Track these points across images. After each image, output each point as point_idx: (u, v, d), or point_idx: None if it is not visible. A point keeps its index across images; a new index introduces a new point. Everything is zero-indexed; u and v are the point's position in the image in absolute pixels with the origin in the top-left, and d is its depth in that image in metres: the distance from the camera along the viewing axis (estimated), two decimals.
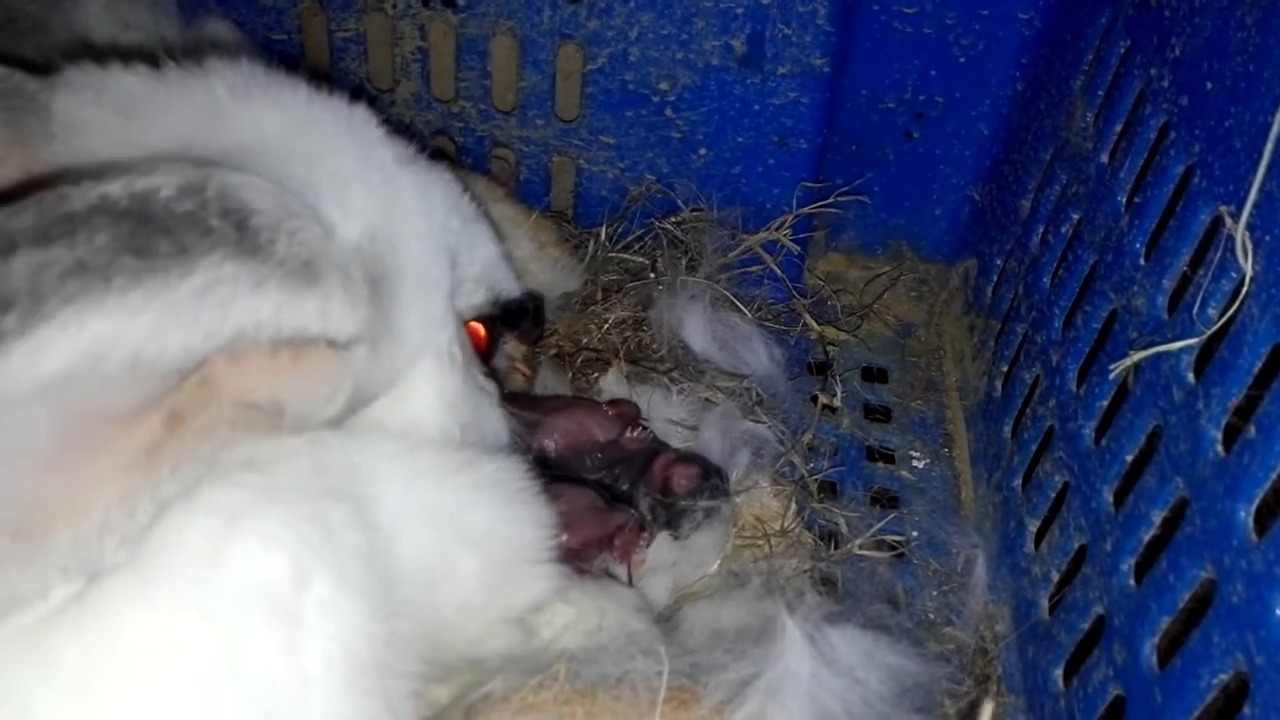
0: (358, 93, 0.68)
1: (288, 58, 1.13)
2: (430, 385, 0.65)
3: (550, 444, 0.85)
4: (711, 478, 0.84)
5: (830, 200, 1.14)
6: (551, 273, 1.05)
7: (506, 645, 0.67)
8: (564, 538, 0.73)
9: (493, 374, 0.77)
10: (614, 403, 0.91)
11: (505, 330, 0.83)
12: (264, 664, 0.49)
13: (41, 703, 0.46)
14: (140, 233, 0.43)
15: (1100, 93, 0.87)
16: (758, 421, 0.95)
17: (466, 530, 0.63)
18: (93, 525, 0.46)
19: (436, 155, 1.16)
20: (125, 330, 0.42)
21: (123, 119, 0.56)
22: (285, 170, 0.54)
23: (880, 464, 1.02)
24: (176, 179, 0.46)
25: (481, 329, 0.74)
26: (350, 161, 0.60)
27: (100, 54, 0.67)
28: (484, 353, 0.75)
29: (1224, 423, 0.60)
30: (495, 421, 0.74)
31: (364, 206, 0.58)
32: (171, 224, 0.44)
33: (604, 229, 1.15)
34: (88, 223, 0.43)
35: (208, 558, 0.49)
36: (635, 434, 0.87)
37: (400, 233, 0.61)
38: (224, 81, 0.59)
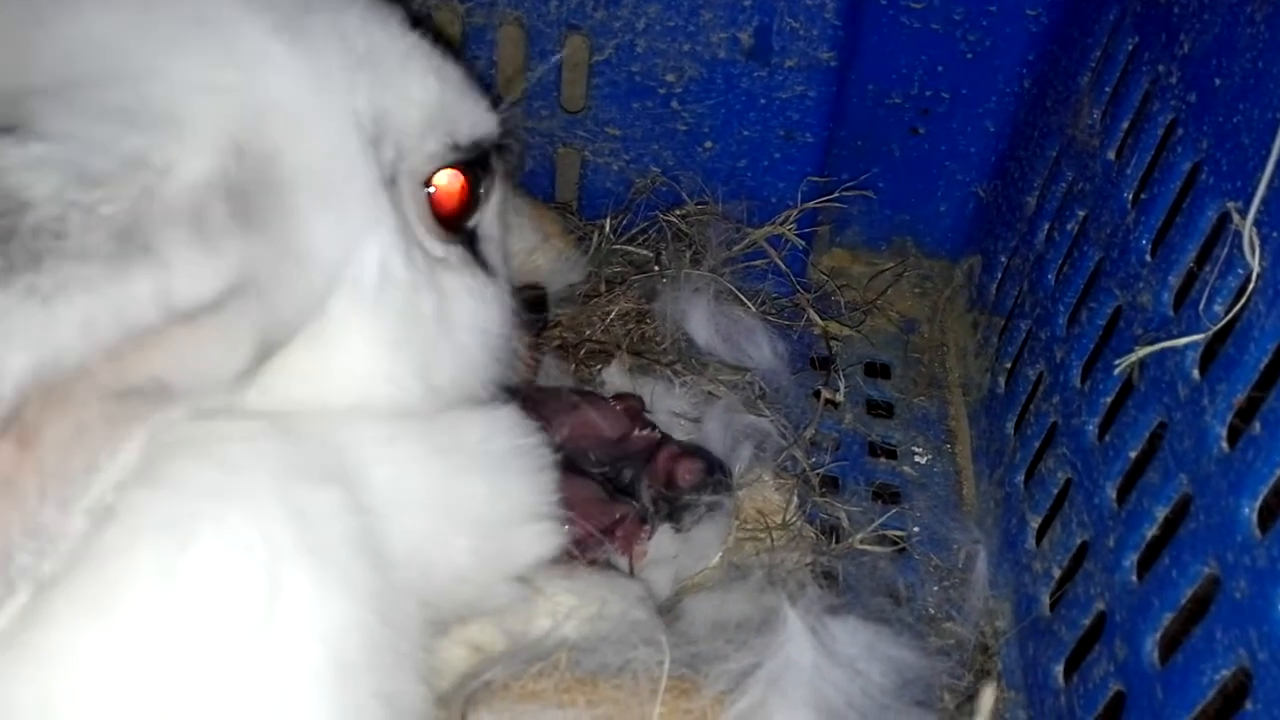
0: None
1: None
2: (357, 323, 0.53)
3: (554, 437, 0.85)
4: (715, 472, 0.84)
5: (835, 195, 1.14)
6: (555, 264, 1.05)
7: (509, 599, 0.63)
8: (566, 528, 0.73)
9: (477, 239, 0.62)
10: (620, 397, 0.90)
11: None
12: (242, 678, 0.45)
13: None
14: None
15: (1107, 89, 0.87)
16: (760, 415, 0.95)
17: (460, 515, 0.58)
18: None
19: None
20: None
21: None
22: (108, 99, 0.44)
23: (882, 459, 1.02)
24: None
25: (456, 182, 0.59)
26: (197, 63, 0.48)
27: None
28: (460, 213, 0.60)
29: (1229, 419, 0.60)
30: (480, 313, 0.61)
31: (217, 121, 0.46)
32: None
33: (608, 221, 1.14)
34: None
35: (160, 573, 0.43)
36: (643, 433, 0.87)
37: (281, 129, 0.49)
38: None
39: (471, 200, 0.60)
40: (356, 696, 0.48)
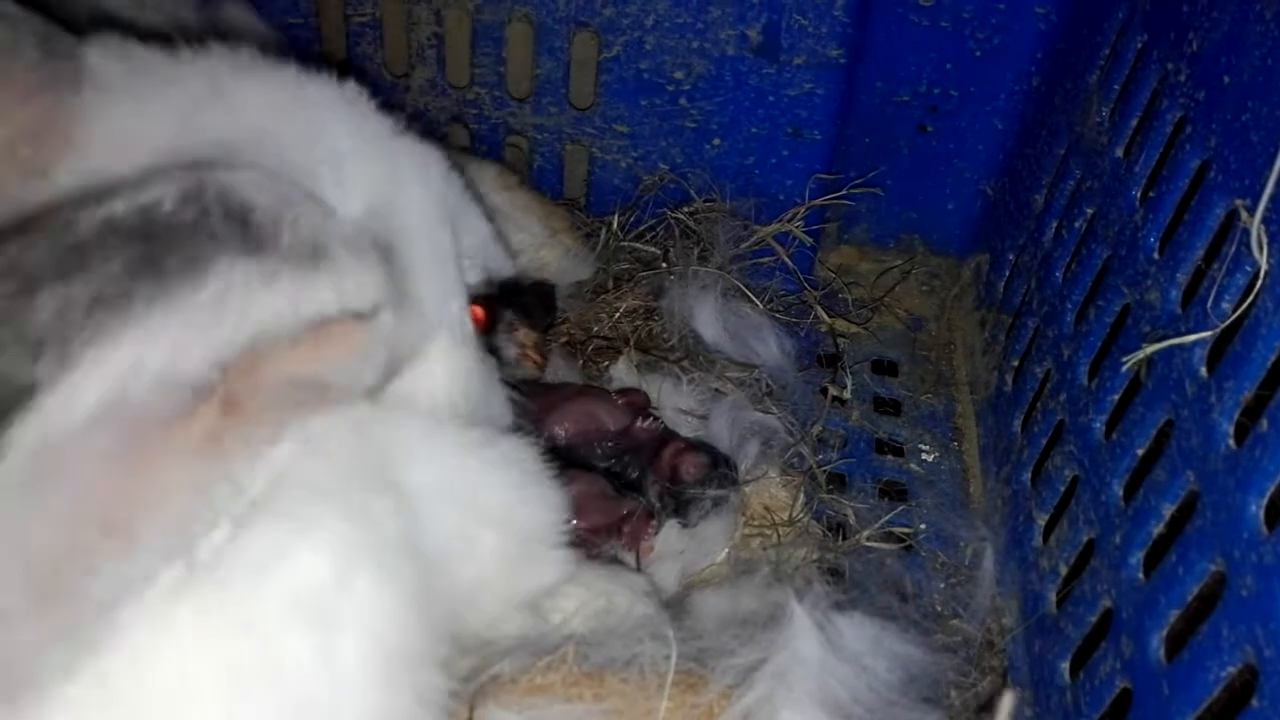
0: (348, 72, 0.68)
1: (303, 42, 1.14)
2: (445, 359, 0.65)
3: (560, 432, 0.86)
4: (720, 466, 0.85)
5: (843, 192, 1.14)
6: (563, 261, 1.05)
7: (520, 629, 0.68)
8: (574, 524, 0.74)
9: (493, 352, 0.78)
10: (624, 391, 0.91)
11: (506, 310, 0.83)
12: (299, 661, 0.51)
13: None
14: (149, 252, 0.44)
15: (1116, 87, 0.87)
16: (767, 412, 0.96)
17: (486, 509, 0.63)
18: (174, 513, 0.47)
19: (449, 142, 1.17)
20: (150, 354, 0.43)
21: (142, 83, 0.57)
22: (281, 154, 0.56)
23: (889, 456, 1.02)
24: (175, 189, 0.46)
25: (480, 309, 0.74)
26: (345, 137, 0.61)
27: (121, 29, 0.67)
28: (483, 332, 0.76)
29: (1236, 417, 0.60)
30: (500, 399, 0.75)
31: (363, 181, 0.59)
32: (177, 236, 0.45)
33: (616, 218, 1.15)
34: (99, 249, 0.44)
35: (260, 567, 0.51)
36: (645, 424, 0.87)
37: (403, 204, 0.62)
38: (225, 61, 0.60)
39: (491, 322, 0.77)
40: (395, 684, 0.54)
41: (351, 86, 0.65)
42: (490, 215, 0.80)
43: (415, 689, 0.55)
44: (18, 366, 0.41)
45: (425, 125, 1.14)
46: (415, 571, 0.56)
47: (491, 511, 0.64)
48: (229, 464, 0.48)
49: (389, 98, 1.14)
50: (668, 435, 0.88)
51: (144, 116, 0.55)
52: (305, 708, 0.51)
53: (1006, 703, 0.58)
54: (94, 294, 0.43)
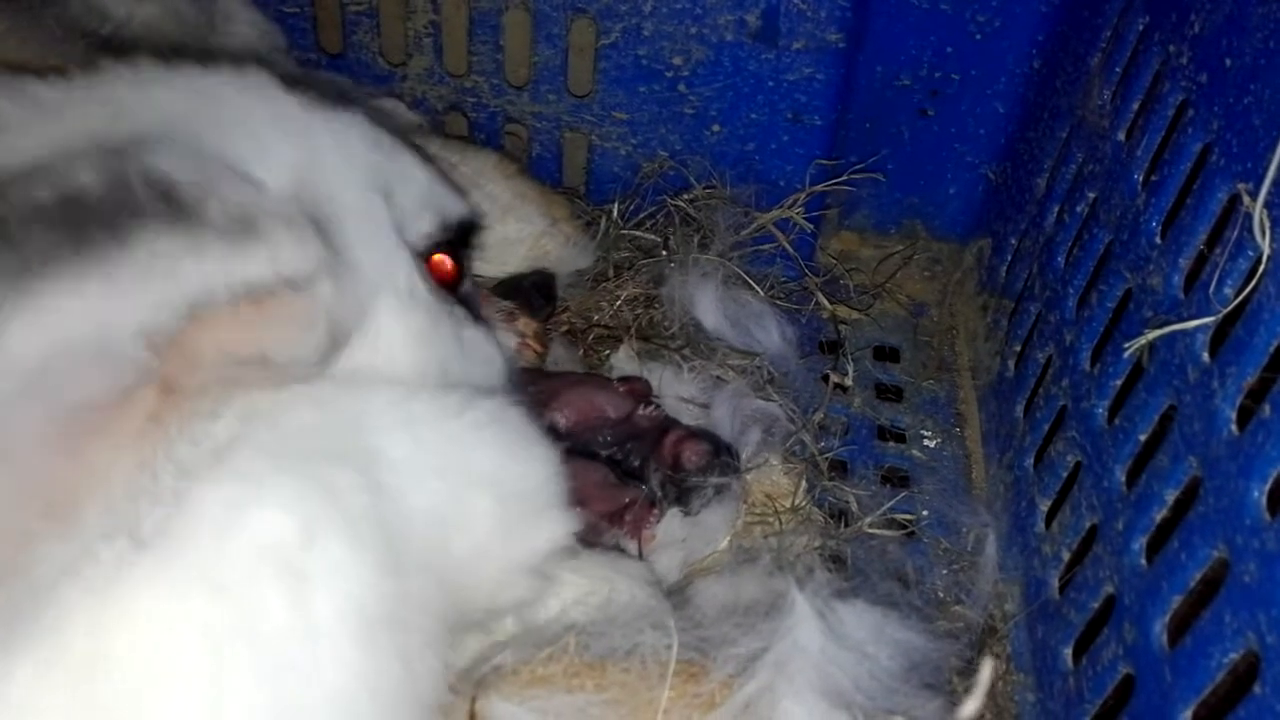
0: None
1: (299, 32, 1.13)
2: (396, 321, 0.64)
3: (561, 420, 0.85)
4: (722, 454, 0.84)
5: (844, 178, 1.13)
6: (564, 249, 1.05)
7: (527, 594, 0.68)
8: (576, 512, 0.74)
9: (468, 301, 0.76)
10: (625, 379, 0.91)
11: (506, 299, 0.81)
12: (274, 622, 0.51)
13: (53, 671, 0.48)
14: (74, 224, 0.45)
15: (1118, 70, 0.86)
16: (769, 399, 0.95)
17: (474, 473, 0.63)
18: (118, 493, 0.48)
19: (447, 130, 1.16)
20: (78, 322, 0.43)
21: (37, 122, 0.56)
22: (199, 145, 0.55)
23: (891, 443, 1.02)
24: (97, 166, 0.47)
25: (447, 260, 0.72)
26: (260, 119, 0.61)
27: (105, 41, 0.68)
28: (454, 281, 0.74)
29: (1238, 402, 0.60)
30: (481, 352, 0.73)
31: (286, 158, 0.59)
32: (102, 210, 0.46)
33: (616, 206, 1.14)
34: (21, 224, 0.44)
35: (221, 529, 0.51)
36: (647, 411, 0.87)
37: (327, 177, 0.62)
38: (121, 79, 0.60)
39: (460, 271, 0.74)
40: (378, 652, 0.54)
41: (254, 70, 0.65)
42: (429, 158, 0.77)
43: (400, 652, 0.55)
44: None
45: (424, 113, 1.14)
46: (390, 542, 0.56)
47: (480, 475, 0.63)
48: (171, 443, 0.49)
49: (386, 86, 1.14)
50: (669, 423, 0.88)
51: (46, 149, 0.54)
52: (285, 667, 0.51)
53: (985, 673, 0.58)
54: (19, 263, 0.43)
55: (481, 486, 0.63)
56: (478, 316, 0.75)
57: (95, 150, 0.49)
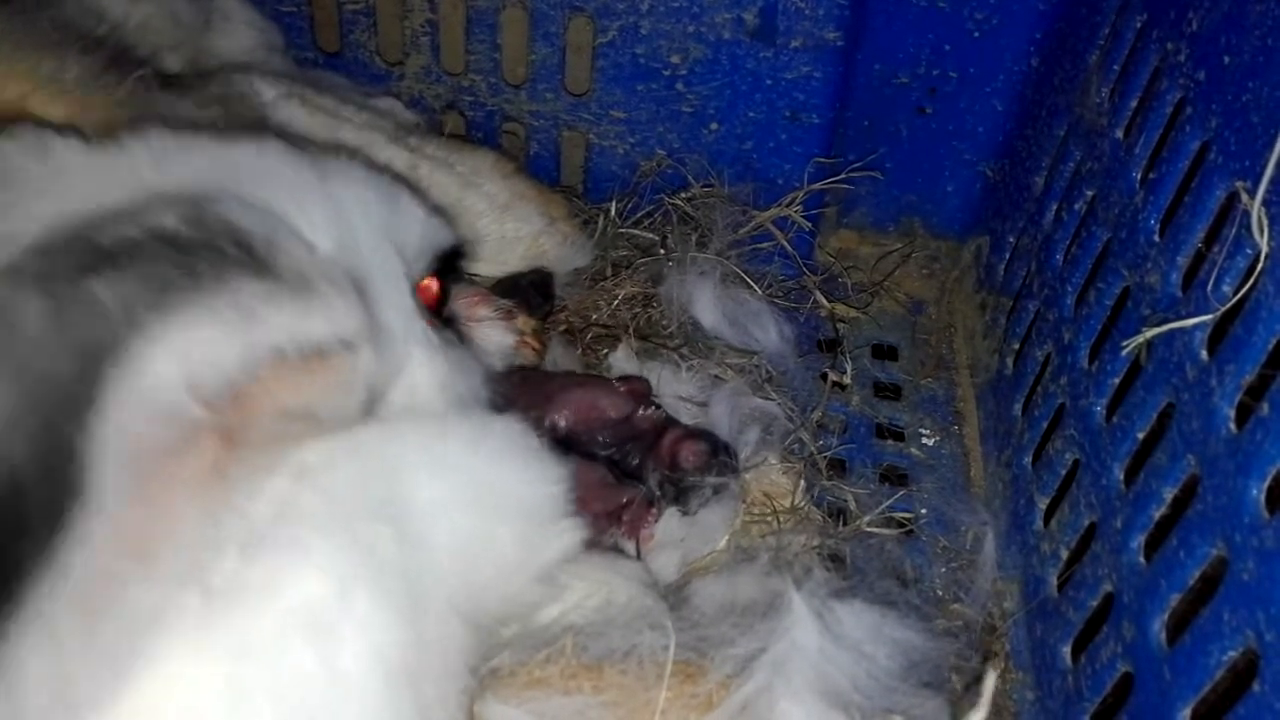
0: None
1: (296, 31, 1.13)
2: (426, 373, 0.66)
3: (561, 420, 0.85)
4: (720, 454, 0.84)
5: (842, 176, 1.13)
6: (561, 248, 1.05)
7: (537, 600, 0.69)
8: (579, 516, 0.74)
9: (449, 322, 0.78)
10: (625, 379, 0.90)
11: (503, 298, 0.83)
12: (300, 675, 0.51)
13: None
14: (182, 258, 0.46)
15: (1116, 67, 0.86)
16: (767, 398, 0.95)
17: (498, 504, 0.64)
18: (188, 542, 0.48)
19: (445, 129, 1.16)
20: (188, 353, 0.44)
21: (68, 183, 0.56)
22: (254, 202, 0.56)
23: (890, 441, 1.01)
24: (175, 213, 0.47)
25: (434, 285, 0.75)
26: (291, 183, 0.62)
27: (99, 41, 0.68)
28: (438, 305, 0.76)
29: (1237, 400, 0.60)
30: (473, 375, 0.75)
31: (321, 219, 0.60)
32: (196, 250, 0.46)
33: (614, 204, 1.14)
34: (142, 250, 0.45)
35: (266, 586, 0.51)
36: (647, 412, 0.87)
37: (354, 237, 0.63)
38: (141, 151, 0.59)
39: (444, 295, 0.77)
40: (399, 699, 0.54)
41: (270, 137, 0.66)
42: (417, 189, 0.79)
43: (418, 698, 0.55)
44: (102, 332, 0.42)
45: (421, 112, 1.14)
46: (416, 589, 0.57)
47: (504, 505, 0.65)
48: (233, 494, 0.49)
49: (384, 85, 1.14)
50: (667, 423, 0.88)
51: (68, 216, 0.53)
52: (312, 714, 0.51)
53: (990, 682, 0.58)
54: (143, 283, 0.43)
55: (503, 514, 0.65)
56: (460, 336, 0.78)
57: (164, 199, 0.49)
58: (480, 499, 0.63)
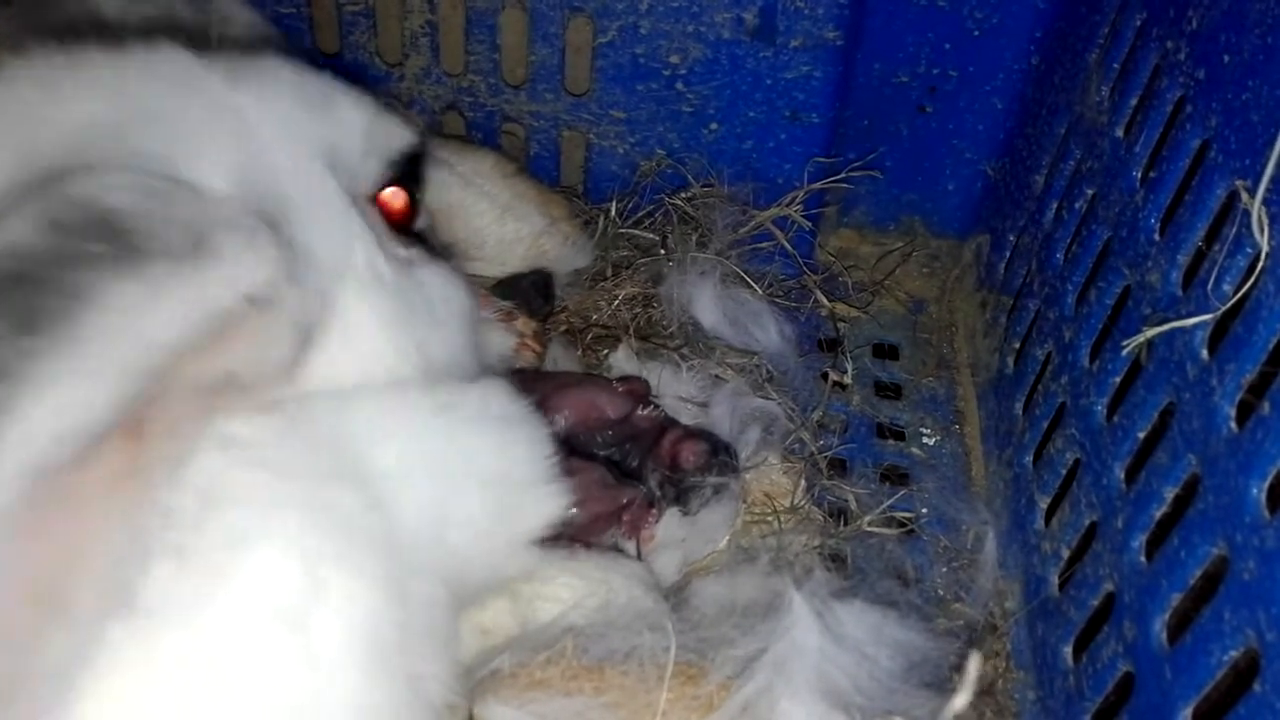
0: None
1: (296, 32, 1.13)
2: (364, 309, 0.59)
3: (560, 421, 0.85)
4: (720, 454, 0.84)
5: (842, 175, 1.13)
6: (562, 249, 1.05)
7: (528, 566, 0.67)
8: (573, 512, 0.73)
9: (424, 239, 0.70)
10: (624, 379, 0.90)
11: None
12: (278, 664, 0.49)
13: None
14: (24, 302, 0.40)
15: (1116, 66, 0.86)
16: (768, 398, 0.95)
17: (466, 472, 0.61)
18: (103, 564, 0.43)
19: (445, 130, 1.16)
20: (52, 419, 0.39)
21: None
22: (126, 148, 0.51)
23: (890, 441, 1.01)
24: (34, 214, 0.42)
25: (399, 194, 0.66)
26: (186, 110, 0.55)
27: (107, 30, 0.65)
28: (408, 219, 0.68)
29: (1237, 399, 0.60)
30: (448, 292, 0.68)
31: (220, 149, 0.54)
32: (49, 271, 0.41)
33: (614, 205, 1.14)
34: None
35: (219, 578, 0.48)
36: (646, 412, 0.87)
37: (268, 161, 0.56)
38: (27, 79, 0.54)
39: (414, 207, 0.68)
40: (384, 675, 0.52)
41: (168, 48, 0.58)
42: (366, 94, 0.68)
43: (405, 671, 0.53)
44: None
45: (421, 113, 1.14)
46: (388, 563, 0.54)
47: (471, 469, 0.61)
48: (150, 492, 0.45)
49: (383, 86, 1.14)
50: (667, 423, 0.88)
51: None
52: (293, 707, 0.49)
53: (973, 665, 0.58)
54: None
55: (473, 479, 0.62)
56: (436, 254, 0.70)
57: (20, 190, 0.44)
58: (448, 464, 0.59)
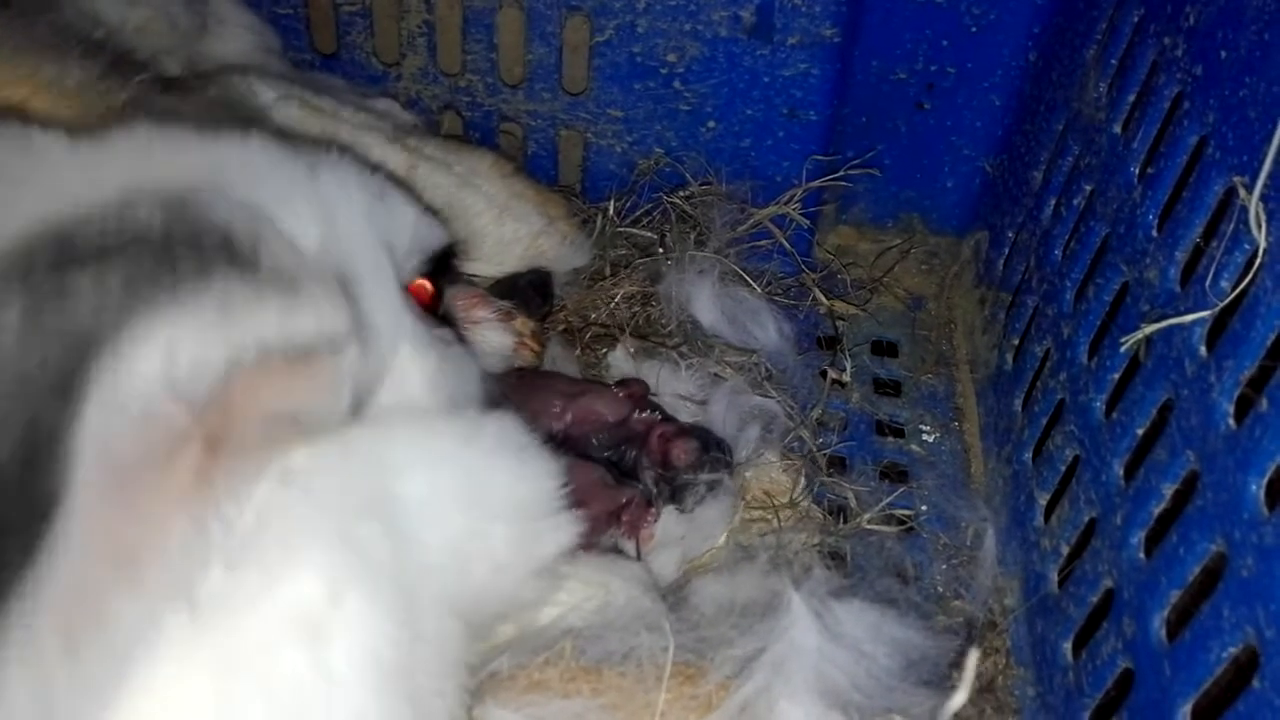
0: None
1: (292, 33, 1.13)
2: (416, 370, 0.65)
3: (559, 424, 0.85)
4: (711, 450, 0.84)
5: (840, 173, 1.13)
6: (560, 248, 1.05)
7: (536, 595, 0.68)
8: (576, 513, 0.73)
9: (445, 320, 0.77)
10: (623, 383, 0.90)
11: (502, 299, 0.82)
12: (291, 679, 0.51)
13: None
14: (164, 255, 0.44)
15: (1113, 62, 0.86)
16: (767, 396, 0.95)
17: (491, 502, 0.63)
18: (173, 553, 0.47)
19: (443, 129, 1.16)
20: (179, 342, 0.43)
21: (39, 179, 0.54)
22: (240, 198, 0.55)
23: (890, 438, 1.01)
24: (157, 208, 0.46)
25: (427, 285, 0.74)
26: (277, 179, 0.60)
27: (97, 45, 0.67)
28: (433, 305, 0.75)
29: (1236, 395, 0.60)
30: (469, 376, 0.74)
31: (306, 220, 0.59)
32: (176, 249, 0.45)
33: (612, 203, 1.14)
34: (123, 247, 0.44)
35: (257, 592, 0.50)
36: (644, 415, 0.87)
37: (342, 235, 0.61)
38: (127, 146, 0.58)
39: (438, 294, 0.76)
40: (392, 697, 0.54)
41: (255, 133, 0.64)
42: (411, 189, 0.77)
43: (413, 700, 0.55)
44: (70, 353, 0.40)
45: (419, 113, 1.14)
46: (409, 587, 0.56)
47: (497, 503, 0.64)
48: (217, 502, 0.48)
49: (381, 86, 1.14)
50: (659, 421, 0.88)
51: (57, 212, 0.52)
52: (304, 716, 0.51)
53: (971, 661, 0.58)
54: (126, 278, 0.42)
55: (498, 512, 0.64)
56: (458, 334, 0.77)
57: (146, 195, 0.48)
58: (471, 497, 0.62)
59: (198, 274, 0.45)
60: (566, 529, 0.68)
